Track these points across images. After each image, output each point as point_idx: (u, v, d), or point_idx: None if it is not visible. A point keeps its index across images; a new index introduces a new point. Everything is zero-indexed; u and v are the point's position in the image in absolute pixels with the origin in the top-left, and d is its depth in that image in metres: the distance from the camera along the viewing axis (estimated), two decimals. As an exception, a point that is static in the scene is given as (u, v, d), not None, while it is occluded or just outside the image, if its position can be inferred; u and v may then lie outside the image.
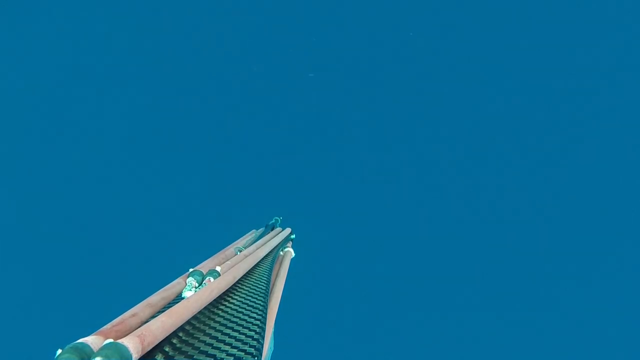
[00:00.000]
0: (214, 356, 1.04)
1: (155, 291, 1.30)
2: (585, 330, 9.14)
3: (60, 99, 9.62)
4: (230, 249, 2.10)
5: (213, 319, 1.28)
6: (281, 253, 2.67)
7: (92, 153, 9.57)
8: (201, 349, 1.07)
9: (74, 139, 9.60)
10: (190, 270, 1.54)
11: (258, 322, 1.30)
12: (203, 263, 1.76)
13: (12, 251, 9.02)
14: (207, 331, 1.19)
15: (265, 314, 1.43)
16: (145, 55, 9.99)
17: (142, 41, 9.97)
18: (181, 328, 1.14)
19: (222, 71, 10.09)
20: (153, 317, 1.11)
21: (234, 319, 1.30)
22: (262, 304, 1.50)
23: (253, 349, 1.10)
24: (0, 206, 9.18)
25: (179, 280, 1.48)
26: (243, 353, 1.07)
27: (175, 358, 1.00)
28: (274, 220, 3.14)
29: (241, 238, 2.52)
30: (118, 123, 9.80)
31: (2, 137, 9.29)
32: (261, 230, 2.80)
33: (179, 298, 1.35)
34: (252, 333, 1.20)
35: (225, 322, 1.27)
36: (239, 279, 1.70)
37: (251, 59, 10.04)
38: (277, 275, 2.22)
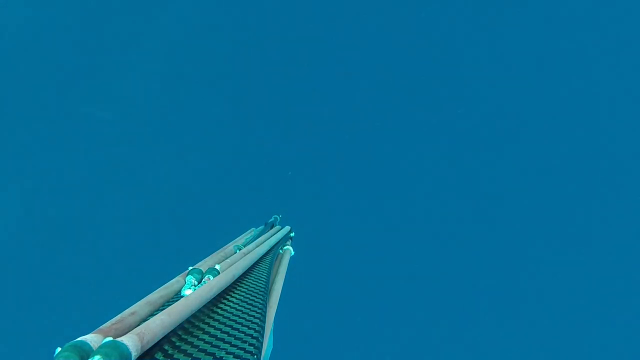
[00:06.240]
0: (213, 354, 1.04)
1: (155, 289, 1.30)
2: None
3: (58, 97, 9.60)
4: (229, 247, 2.10)
5: (213, 317, 1.28)
6: (280, 251, 2.66)
7: (91, 151, 9.56)
8: (201, 347, 1.07)
9: (72, 137, 9.59)
10: (190, 268, 1.54)
11: (258, 321, 1.30)
12: (202, 261, 1.76)
13: (12, 250, 9.01)
14: (206, 329, 1.18)
15: (265, 312, 1.43)
16: (143, 53, 9.97)
17: (140, 38, 9.95)
18: (181, 326, 1.14)
19: (219, 68, 10.07)
20: (152, 315, 1.11)
21: (234, 317, 1.30)
22: (261, 302, 1.50)
23: (253, 347, 1.10)
24: (1, 204, 9.17)
25: (178, 278, 1.47)
26: (242, 351, 1.07)
27: (174, 356, 1.00)
28: (273, 219, 3.13)
29: (241, 236, 2.52)
30: (116, 121, 9.79)
31: (2, 136, 9.28)
32: (260, 228, 2.79)
33: (178, 296, 1.35)
34: (252, 331, 1.20)
35: (224, 320, 1.27)
36: (239, 277, 1.70)
37: (249, 56, 10.02)
38: (276, 274, 2.21)
